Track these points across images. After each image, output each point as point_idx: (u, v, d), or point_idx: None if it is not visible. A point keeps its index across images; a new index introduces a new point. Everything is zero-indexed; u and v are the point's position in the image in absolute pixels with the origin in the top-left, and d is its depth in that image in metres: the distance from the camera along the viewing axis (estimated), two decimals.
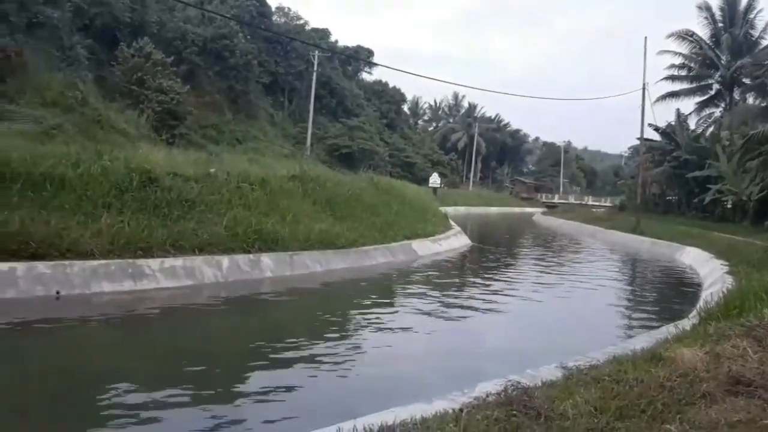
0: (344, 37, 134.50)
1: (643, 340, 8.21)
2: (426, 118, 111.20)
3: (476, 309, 12.38)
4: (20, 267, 9.81)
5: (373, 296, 13.37)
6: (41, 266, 10.03)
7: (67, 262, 10.37)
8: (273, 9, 55.04)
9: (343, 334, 10.03)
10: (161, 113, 31.89)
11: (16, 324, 8.59)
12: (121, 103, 31.05)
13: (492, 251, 25.95)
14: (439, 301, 12.99)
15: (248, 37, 43.33)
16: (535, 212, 68.71)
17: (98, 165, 12.94)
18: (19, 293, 9.51)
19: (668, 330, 8.60)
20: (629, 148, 77.98)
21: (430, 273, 17.49)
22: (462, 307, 12.62)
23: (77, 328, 9.03)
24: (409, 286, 15.03)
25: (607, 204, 73.03)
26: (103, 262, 10.76)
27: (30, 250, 10.11)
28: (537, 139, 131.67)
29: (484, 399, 4.94)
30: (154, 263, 11.37)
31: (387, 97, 71.89)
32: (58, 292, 9.90)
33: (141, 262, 11.24)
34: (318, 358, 8.13)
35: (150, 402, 6.20)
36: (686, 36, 42.18)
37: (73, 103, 26.37)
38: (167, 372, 7.44)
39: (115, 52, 33.18)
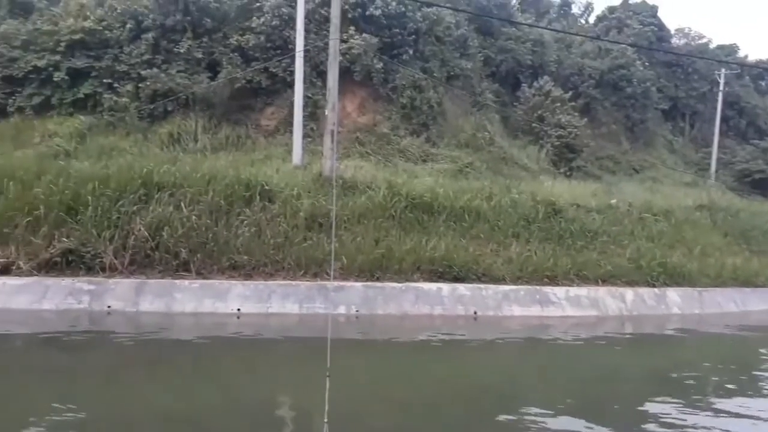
0: (756, 50, 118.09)
1: None
2: None
3: None
4: (445, 287, 11.38)
5: None
6: (462, 288, 11.48)
7: (482, 286, 11.64)
8: (672, 32, 51.87)
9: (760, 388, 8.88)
10: (559, 147, 32.97)
11: (441, 339, 9.90)
12: (523, 140, 33.18)
13: None
14: None
15: (646, 64, 41.79)
16: None
17: (508, 198, 14.18)
18: (444, 311, 11.05)
19: None
20: None
21: None
22: None
23: (497, 347, 9.99)
24: None
25: None
26: (513, 287, 11.76)
27: (453, 273, 11.72)
28: None
29: None
30: (559, 291, 11.94)
31: None
32: (475, 312, 11.12)
33: (547, 289, 11.93)
34: (735, 411, 7.37)
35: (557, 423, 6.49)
36: None
37: (482, 142, 29.32)
38: (579, 399, 7.65)
39: (517, 93, 35.67)
